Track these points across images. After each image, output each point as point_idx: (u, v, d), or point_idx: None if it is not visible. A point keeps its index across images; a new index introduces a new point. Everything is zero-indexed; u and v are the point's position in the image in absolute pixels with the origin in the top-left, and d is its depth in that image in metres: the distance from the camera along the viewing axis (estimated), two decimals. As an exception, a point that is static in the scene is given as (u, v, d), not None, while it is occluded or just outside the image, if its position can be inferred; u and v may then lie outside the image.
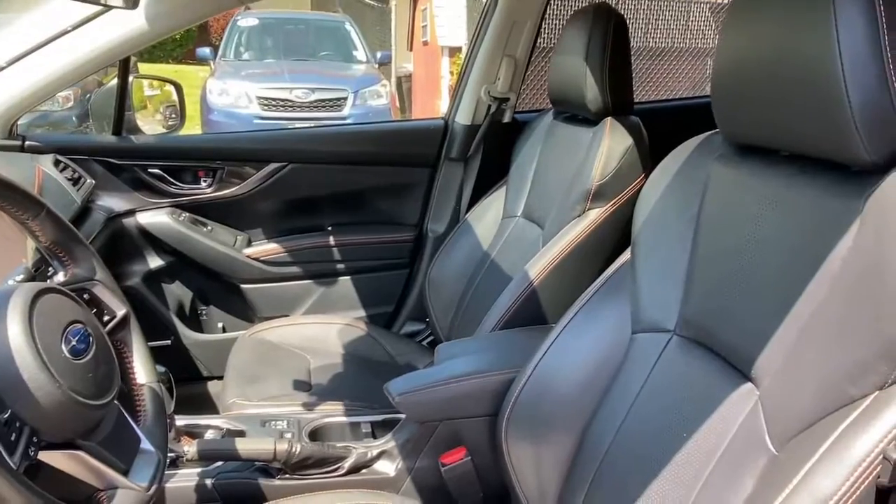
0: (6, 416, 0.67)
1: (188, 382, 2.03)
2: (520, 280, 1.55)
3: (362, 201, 2.22)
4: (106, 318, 0.94)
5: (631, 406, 1.01)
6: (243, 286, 2.14)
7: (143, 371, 0.96)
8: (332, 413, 1.49)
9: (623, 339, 1.10)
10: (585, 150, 1.60)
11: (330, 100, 6.98)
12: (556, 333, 1.20)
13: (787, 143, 0.88)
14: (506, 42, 2.05)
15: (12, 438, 0.67)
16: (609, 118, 1.58)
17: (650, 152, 1.55)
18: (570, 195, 1.58)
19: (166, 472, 1.02)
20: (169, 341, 2.01)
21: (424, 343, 2.14)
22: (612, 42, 1.56)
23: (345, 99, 7.00)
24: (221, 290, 2.15)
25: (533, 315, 1.52)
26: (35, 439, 0.70)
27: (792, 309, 0.81)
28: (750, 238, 0.90)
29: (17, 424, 0.68)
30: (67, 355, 0.75)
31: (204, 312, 2.17)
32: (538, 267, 1.53)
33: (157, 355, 1.01)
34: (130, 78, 1.99)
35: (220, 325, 2.17)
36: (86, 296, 0.93)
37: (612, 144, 1.54)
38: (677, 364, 0.98)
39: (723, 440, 0.84)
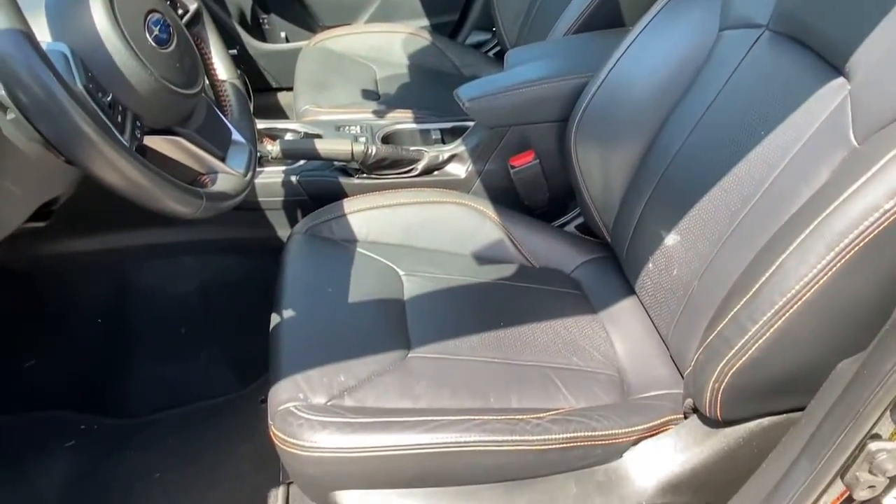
0: (109, 99, 0.70)
1: (260, 93, 2.07)
2: (597, -21, 1.44)
3: None
4: (179, 11, 0.94)
5: (709, 106, 1.00)
6: (302, -9, 2.06)
7: (222, 67, 0.98)
8: (402, 121, 1.52)
9: (708, 38, 1.04)
10: None
11: None
12: (635, 34, 1.14)
13: None
14: None
15: (119, 120, 0.71)
16: None
17: None
18: None
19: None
20: (235, 51, 2.01)
21: (490, 54, 2.08)
22: None
23: None
24: (280, -6, 2.08)
25: (610, 18, 1.44)
26: (138, 124, 0.75)
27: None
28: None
29: (121, 108, 0.72)
30: (153, 44, 0.76)
31: (265, 21, 2.13)
32: (619, -38, 1.40)
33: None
34: None
35: (282, 34, 2.14)
36: (155, -13, 0.91)
37: None
38: (765, 61, 0.94)
39: (803, 135, 0.83)
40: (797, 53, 0.88)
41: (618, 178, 1.15)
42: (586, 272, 1.22)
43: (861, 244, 0.68)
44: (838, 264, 0.69)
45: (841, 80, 0.82)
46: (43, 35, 0.70)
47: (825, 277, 0.70)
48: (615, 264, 1.20)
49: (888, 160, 0.69)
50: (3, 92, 0.64)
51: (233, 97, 0.98)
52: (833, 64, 0.83)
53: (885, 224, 0.68)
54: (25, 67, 0.59)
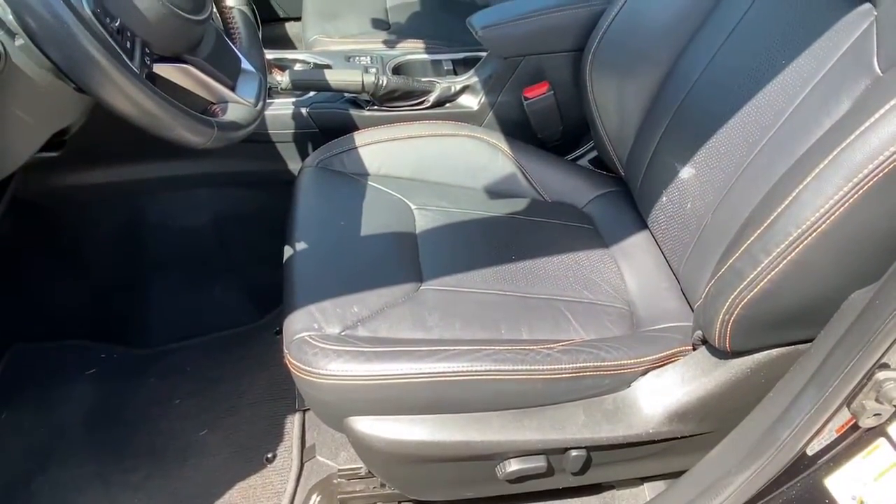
0: (117, 24, 0.69)
1: (267, 23, 2.03)
2: None
3: None
4: (185, -66, 0.91)
5: (729, 34, 0.97)
6: None
7: (230, -7, 0.96)
8: (413, 51, 1.49)
9: (731, -38, 1.00)
10: None
11: None
12: (654, -42, 1.10)
13: None
14: None
15: (128, 46, 0.70)
16: None
17: None
18: None
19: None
20: (242, -22, 1.96)
21: (504, -18, 2.02)
22: None
23: None
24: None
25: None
26: (147, 51, 0.74)
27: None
28: None
29: (129, 34, 0.71)
30: (159, -32, 0.74)
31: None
32: None
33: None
34: None
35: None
36: None
37: None
38: (790, -14, 0.90)
39: (825, 64, 0.81)
40: (824, -23, 0.85)
41: (634, 109, 1.13)
42: (599, 206, 1.22)
43: (880, 175, 0.67)
44: (855, 196, 0.68)
45: (867, 5, 0.79)
46: (48, -42, 0.68)
47: (841, 209, 0.69)
48: (628, 199, 1.20)
49: (913, 89, 0.68)
50: (10, 17, 0.63)
51: (241, 24, 0.96)
52: (861, -11, 0.80)
53: (906, 155, 0.66)
54: (32, -9, 0.58)
